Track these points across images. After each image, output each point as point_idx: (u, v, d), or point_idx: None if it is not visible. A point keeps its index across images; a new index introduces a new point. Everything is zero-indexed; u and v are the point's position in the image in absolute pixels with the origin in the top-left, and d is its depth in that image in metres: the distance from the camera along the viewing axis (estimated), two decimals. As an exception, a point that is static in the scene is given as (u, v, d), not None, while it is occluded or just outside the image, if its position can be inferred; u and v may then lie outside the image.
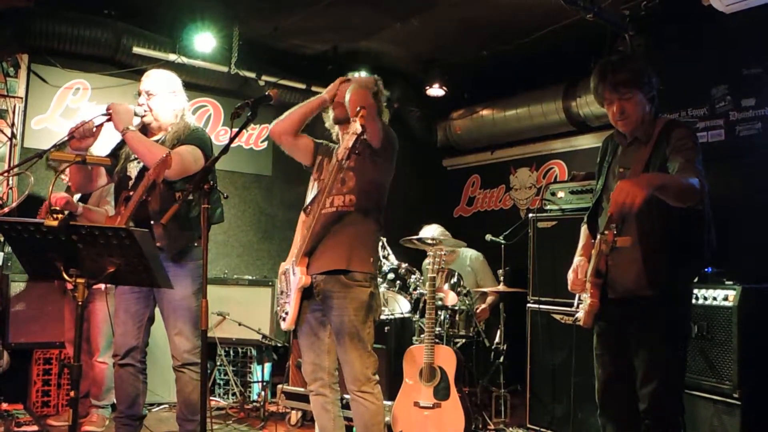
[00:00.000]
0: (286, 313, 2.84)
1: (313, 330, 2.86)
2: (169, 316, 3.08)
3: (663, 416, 2.39)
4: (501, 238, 4.61)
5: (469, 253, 5.16)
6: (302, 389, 4.13)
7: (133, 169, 3.14)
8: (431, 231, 4.84)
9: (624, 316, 2.47)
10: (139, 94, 3.14)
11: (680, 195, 2.23)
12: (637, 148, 2.51)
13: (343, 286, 2.73)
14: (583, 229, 2.74)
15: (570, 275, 2.61)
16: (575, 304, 2.63)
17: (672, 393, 2.41)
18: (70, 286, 2.24)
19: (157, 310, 3.15)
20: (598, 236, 2.44)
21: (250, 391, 4.81)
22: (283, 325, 2.88)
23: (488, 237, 4.76)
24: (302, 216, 2.93)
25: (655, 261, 2.39)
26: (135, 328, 3.08)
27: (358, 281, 2.74)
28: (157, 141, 3.11)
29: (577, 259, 2.65)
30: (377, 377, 2.80)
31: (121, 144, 3.16)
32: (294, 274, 2.80)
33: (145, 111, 3.09)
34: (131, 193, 3.01)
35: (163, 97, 3.12)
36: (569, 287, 2.61)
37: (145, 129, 3.16)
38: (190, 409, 3.08)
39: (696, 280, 3.17)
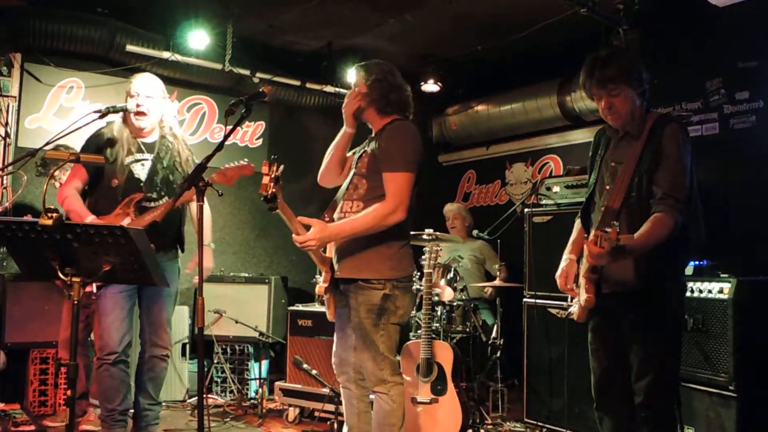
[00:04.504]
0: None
1: (342, 325, 2.88)
2: (164, 306, 3.22)
3: (658, 409, 2.41)
4: (486, 233, 4.63)
5: (478, 244, 5.28)
6: (299, 386, 4.13)
7: (140, 172, 3.21)
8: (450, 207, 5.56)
9: (617, 310, 2.48)
10: (133, 95, 3.21)
11: (647, 250, 2.27)
12: (628, 143, 2.51)
13: (357, 287, 2.72)
14: (577, 224, 2.74)
15: (558, 280, 2.61)
16: (569, 298, 2.64)
17: (667, 386, 2.42)
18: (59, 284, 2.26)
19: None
20: (594, 232, 2.44)
21: (247, 389, 4.81)
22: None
23: (475, 232, 4.91)
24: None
25: (644, 255, 2.39)
26: (128, 323, 3.17)
27: (372, 284, 2.70)
28: (149, 142, 3.27)
29: (566, 258, 2.65)
30: (397, 379, 2.76)
31: (105, 142, 3.19)
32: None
33: (147, 111, 3.20)
34: (150, 194, 3.18)
35: (158, 101, 3.28)
36: (560, 287, 2.62)
37: (122, 128, 3.24)
38: (159, 390, 3.27)
39: (690, 273, 3.19)
